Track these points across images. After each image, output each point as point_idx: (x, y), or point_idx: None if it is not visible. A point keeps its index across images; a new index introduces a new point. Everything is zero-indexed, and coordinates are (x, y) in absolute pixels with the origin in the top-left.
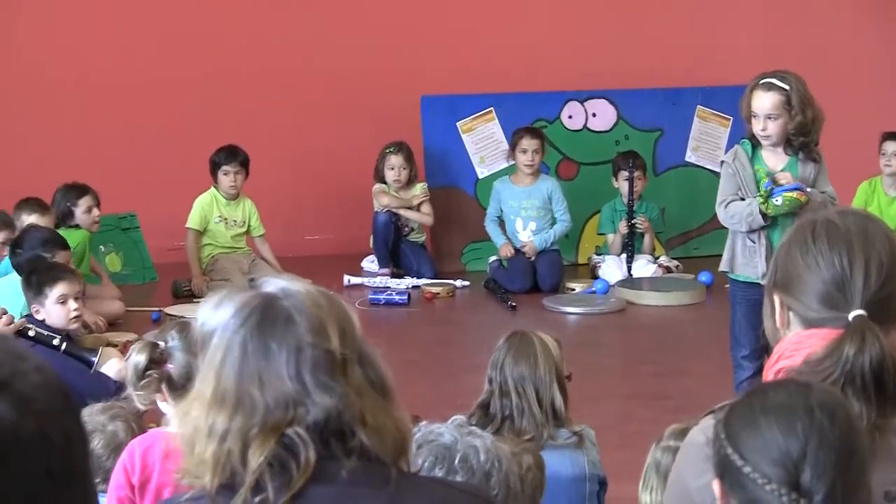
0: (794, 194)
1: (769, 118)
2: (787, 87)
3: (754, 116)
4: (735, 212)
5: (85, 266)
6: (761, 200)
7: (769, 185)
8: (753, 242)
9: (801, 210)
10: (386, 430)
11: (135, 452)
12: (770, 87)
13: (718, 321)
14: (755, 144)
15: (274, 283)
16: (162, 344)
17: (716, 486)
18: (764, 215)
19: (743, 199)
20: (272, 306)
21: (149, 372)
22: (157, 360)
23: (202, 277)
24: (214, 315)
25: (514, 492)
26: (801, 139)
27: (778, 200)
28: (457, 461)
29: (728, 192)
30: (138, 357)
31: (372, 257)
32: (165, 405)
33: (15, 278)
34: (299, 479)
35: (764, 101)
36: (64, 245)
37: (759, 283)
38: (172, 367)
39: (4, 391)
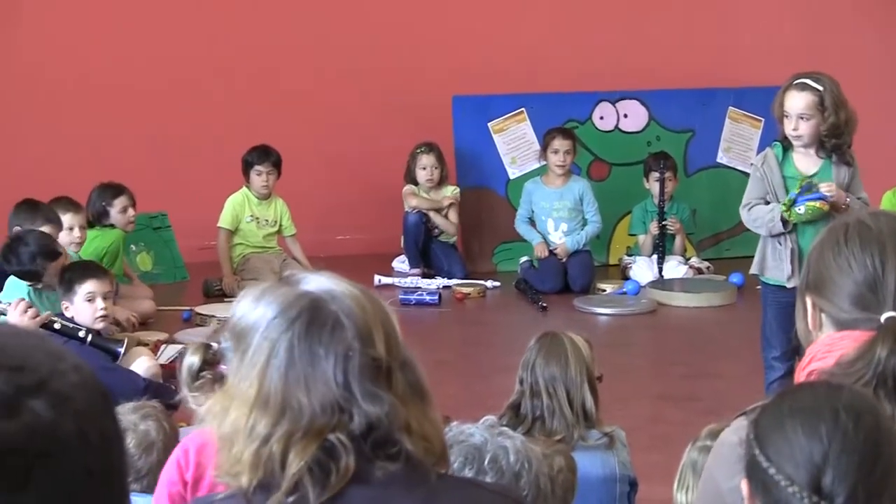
0: (817, 204)
1: (801, 118)
2: (820, 87)
3: (786, 116)
4: (757, 216)
5: (118, 266)
6: (784, 208)
7: (794, 194)
8: (780, 245)
9: (823, 219)
10: (429, 435)
11: (189, 450)
12: (804, 87)
13: (749, 322)
14: (786, 147)
15: (315, 282)
16: (215, 345)
17: (744, 486)
18: (785, 222)
19: (768, 203)
20: (320, 310)
21: (203, 373)
22: (210, 361)
23: (233, 277)
24: (254, 310)
25: (545, 493)
26: (834, 141)
27: (801, 209)
28: (486, 462)
29: (753, 195)
30: (192, 358)
31: (403, 257)
32: None
33: (14, 280)
34: (338, 483)
35: (797, 101)
36: (54, 255)
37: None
38: (226, 369)
39: (43, 390)
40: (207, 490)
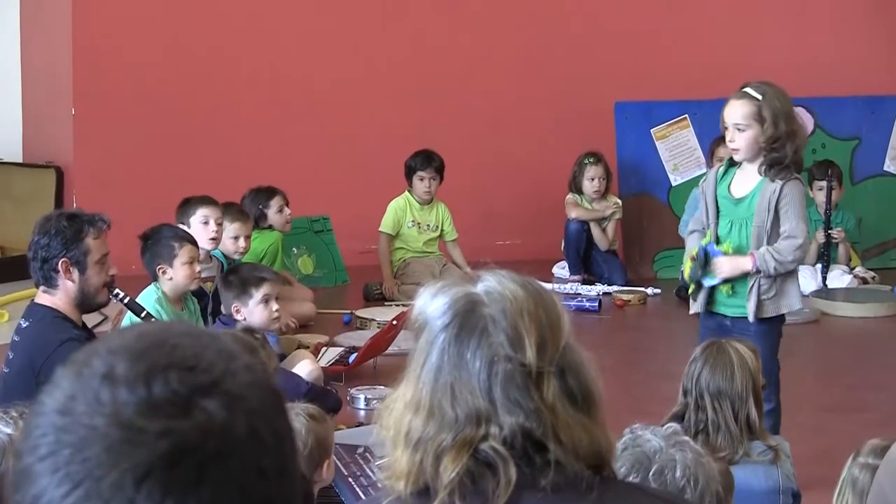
0: None
1: None
2: None
3: None
4: None
5: (277, 267)
6: None
7: None
8: None
9: None
10: (581, 446)
11: None
12: None
13: None
14: None
15: (487, 281)
16: None
17: None
18: None
19: None
20: (472, 313)
21: None
22: None
23: (393, 281)
24: (430, 304)
25: None
26: None
27: None
28: (652, 473)
29: None
30: None
31: (563, 263)
32: None
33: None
34: (502, 495)
35: None
36: (193, 240)
37: None
38: None
39: (216, 390)
40: None
